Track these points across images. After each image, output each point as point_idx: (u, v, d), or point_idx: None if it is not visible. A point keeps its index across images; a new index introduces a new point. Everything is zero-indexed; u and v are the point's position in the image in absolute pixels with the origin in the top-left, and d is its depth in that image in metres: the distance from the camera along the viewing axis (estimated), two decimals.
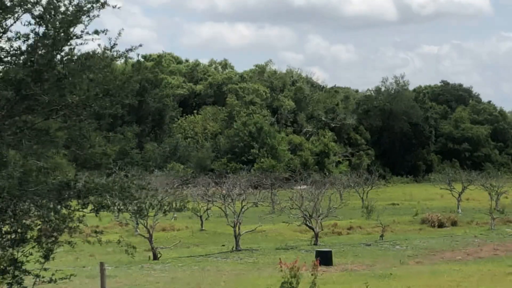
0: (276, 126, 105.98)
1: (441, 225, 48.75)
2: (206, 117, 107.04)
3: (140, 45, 11.97)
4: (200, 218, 45.97)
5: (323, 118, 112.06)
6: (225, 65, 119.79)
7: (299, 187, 54.98)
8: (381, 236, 40.82)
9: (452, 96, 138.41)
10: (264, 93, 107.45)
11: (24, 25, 10.13)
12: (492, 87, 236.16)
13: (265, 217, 43.84)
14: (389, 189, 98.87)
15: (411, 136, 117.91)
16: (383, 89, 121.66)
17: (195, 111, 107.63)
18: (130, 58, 11.72)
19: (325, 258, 31.44)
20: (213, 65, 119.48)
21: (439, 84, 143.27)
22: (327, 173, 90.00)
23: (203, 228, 46.12)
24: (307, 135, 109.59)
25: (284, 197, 48.79)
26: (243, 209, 36.77)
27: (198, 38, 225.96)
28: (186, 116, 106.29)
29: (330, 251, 32.28)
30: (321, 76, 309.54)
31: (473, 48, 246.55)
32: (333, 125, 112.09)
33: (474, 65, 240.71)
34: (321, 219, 38.49)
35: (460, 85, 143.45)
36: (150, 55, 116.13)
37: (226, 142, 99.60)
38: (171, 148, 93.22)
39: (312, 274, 17.84)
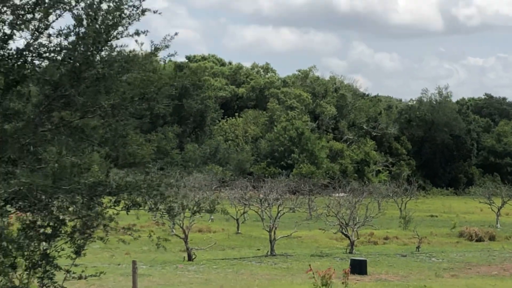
0: (317, 133, 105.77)
1: (479, 239, 48.32)
2: (247, 120, 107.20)
3: (175, 53, 11.87)
4: (236, 221, 46.01)
5: (365, 126, 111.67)
6: (267, 69, 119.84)
7: (337, 195, 54.73)
8: (418, 247, 40.54)
9: (495, 110, 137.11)
10: (306, 99, 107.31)
11: (65, 24, 10.18)
12: None
13: (302, 223, 43.64)
14: (428, 200, 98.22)
15: (453, 148, 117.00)
16: (425, 99, 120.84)
17: (236, 114, 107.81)
18: (173, 54, 11.67)
19: (359, 267, 31.34)
20: (256, 69, 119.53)
21: (482, 97, 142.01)
22: (366, 182, 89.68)
23: (239, 231, 46.17)
24: (348, 143, 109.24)
25: (322, 204, 48.69)
26: (279, 214, 36.72)
27: (242, 40, 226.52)
28: (228, 119, 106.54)
29: (365, 260, 32.06)
30: (364, 84, 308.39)
31: None
32: (374, 134, 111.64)
33: None
34: (358, 228, 38.29)
35: (504, 99, 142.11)
36: (194, 56, 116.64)
37: (266, 146, 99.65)
38: (212, 150, 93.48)
39: (342, 283, 17.75)
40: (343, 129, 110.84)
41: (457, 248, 43.60)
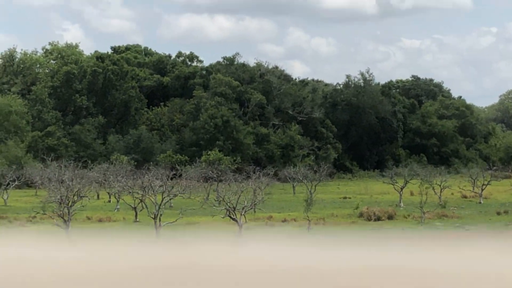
0: (243, 119, 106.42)
1: (377, 219, 49.49)
2: (174, 109, 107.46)
3: None
4: (134, 209, 46.56)
5: (290, 112, 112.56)
6: (192, 57, 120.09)
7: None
8: (308, 228, 41.60)
9: (422, 91, 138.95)
10: (232, 86, 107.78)
11: None
12: (473, 81, 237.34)
13: (197, 209, 44.47)
14: (351, 182, 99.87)
15: (379, 130, 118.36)
16: (350, 83, 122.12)
17: (162, 103, 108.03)
18: None
19: None
20: (181, 58, 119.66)
21: (410, 78, 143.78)
22: (293, 166, 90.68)
23: (137, 220, 46.72)
24: (274, 128, 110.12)
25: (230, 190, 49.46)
26: (164, 201, 37.40)
27: (178, 29, 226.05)
28: (153, 108, 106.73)
29: None
30: (302, 70, 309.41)
31: (453, 43, 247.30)
32: (300, 119, 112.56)
33: (454, 59, 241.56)
34: (244, 212, 39.10)
35: (431, 80, 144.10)
36: (119, 47, 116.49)
37: (191, 134, 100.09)
38: (135, 140, 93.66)
39: None
40: (269, 114, 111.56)
41: (350, 228, 44.81)
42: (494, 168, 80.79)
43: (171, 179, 52.59)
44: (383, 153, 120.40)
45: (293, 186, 69.87)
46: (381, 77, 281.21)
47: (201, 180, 63.89)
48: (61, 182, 36.98)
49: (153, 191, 38.64)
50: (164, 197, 37.87)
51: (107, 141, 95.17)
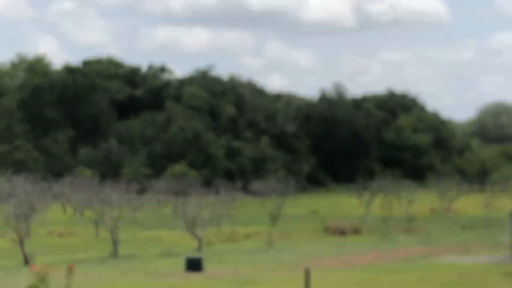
0: (215, 133, 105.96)
1: (343, 233, 49.03)
2: (145, 121, 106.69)
3: None
4: (95, 224, 45.81)
5: (263, 125, 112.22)
6: (163, 69, 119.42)
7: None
8: (269, 243, 41.05)
9: (397, 105, 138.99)
10: (204, 98, 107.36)
11: None
12: (453, 95, 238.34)
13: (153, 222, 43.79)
14: (323, 196, 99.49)
15: (353, 144, 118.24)
16: (323, 97, 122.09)
17: (133, 116, 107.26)
18: None
19: (194, 265, 31.75)
20: (152, 70, 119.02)
21: (384, 93, 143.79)
22: (264, 180, 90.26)
23: (98, 235, 45.99)
24: (247, 142, 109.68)
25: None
26: (121, 215, 36.73)
27: (155, 41, 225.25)
28: (124, 121, 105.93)
29: (200, 258, 32.36)
30: (280, 82, 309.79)
31: (434, 56, 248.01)
32: (273, 132, 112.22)
33: (434, 72, 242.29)
34: (204, 227, 38.48)
35: (405, 95, 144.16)
36: (91, 59, 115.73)
37: (162, 147, 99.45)
38: (104, 153, 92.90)
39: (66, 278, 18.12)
40: (242, 128, 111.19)
41: (313, 242, 44.22)
42: (466, 182, 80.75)
43: (137, 193, 52.03)
44: (357, 166, 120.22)
45: (263, 200, 69.34)
46: (360, 90, 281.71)
47: (170, 194, 63.15)
48: (17, 197, 36.17)
49: (111, 206, 37.88)
50: (121, 211, 37.14)
51: (77, 154, 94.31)
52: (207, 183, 72.71)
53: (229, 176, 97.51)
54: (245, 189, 74.79)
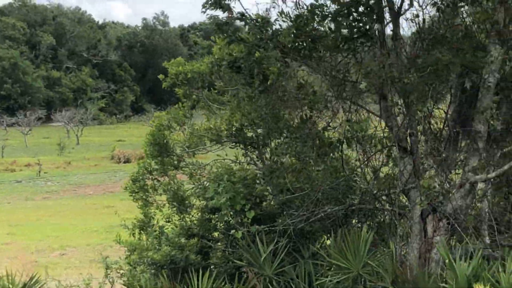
0: (34, 63, 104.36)
1: (126, 161, 50.02)
2: None
3: None
4: None
5: (85, 54, 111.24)
6: None
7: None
8: (38, 172, 41.65)
9: None
10: (22, 28, 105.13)
11: None
12: None
13: None
14: (143, 124, 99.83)
15: None
16: (145, 27, 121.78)
17: None
18: None
19: None
20: None
21: (208, 21, 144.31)
22: (85, 109, 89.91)
23: None
24: (69, 71, 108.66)
25: None
26: None
27: None
28: None
29: None
30: (124, 11, 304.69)
31: None
32: (96, 61, 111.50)
33: None
34: None
35: None
36: None
37: None
38: None
39: None
40: (63, 57, 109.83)
41: (88, 171, 45.04)
42: None
43: None
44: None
45: (67, 130, 69.37)
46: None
47: None
48: None
49: None
50: None
51: None
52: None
53: (50, 106, 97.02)
54: (49, 119, 74.42)
